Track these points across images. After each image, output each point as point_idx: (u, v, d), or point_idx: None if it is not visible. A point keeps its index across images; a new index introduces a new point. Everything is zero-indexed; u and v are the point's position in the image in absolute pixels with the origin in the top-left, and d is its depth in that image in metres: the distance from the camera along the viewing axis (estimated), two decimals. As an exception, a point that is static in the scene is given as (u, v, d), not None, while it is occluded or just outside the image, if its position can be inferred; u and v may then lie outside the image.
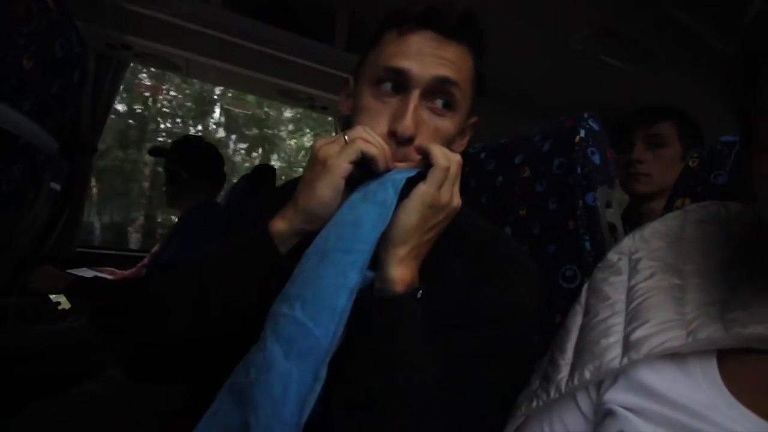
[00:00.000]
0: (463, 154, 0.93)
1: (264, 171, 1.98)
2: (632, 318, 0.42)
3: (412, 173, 0.50)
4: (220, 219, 1.52)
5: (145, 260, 1.68)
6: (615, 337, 0.42)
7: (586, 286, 0.52)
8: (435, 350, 0.48)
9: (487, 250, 0.56)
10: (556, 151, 0.74)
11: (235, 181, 2.14)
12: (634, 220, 1.16)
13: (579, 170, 0.69)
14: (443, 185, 0.49)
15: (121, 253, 2.15)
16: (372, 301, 0.47)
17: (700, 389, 0.35)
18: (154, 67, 1.82)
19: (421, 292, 0.48)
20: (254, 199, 0.77)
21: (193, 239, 1.42)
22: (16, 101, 0.53)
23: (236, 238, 0.54)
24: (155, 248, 1.68)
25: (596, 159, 0.70)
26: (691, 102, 1.25)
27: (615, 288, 0.47)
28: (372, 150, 0.49)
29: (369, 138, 0.49)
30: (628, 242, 0.51)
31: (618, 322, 0.43)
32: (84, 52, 0.64)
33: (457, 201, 0.51)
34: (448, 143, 0.56)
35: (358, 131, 0.50)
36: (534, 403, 0.45)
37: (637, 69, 1.51)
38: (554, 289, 0.69)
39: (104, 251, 2.11)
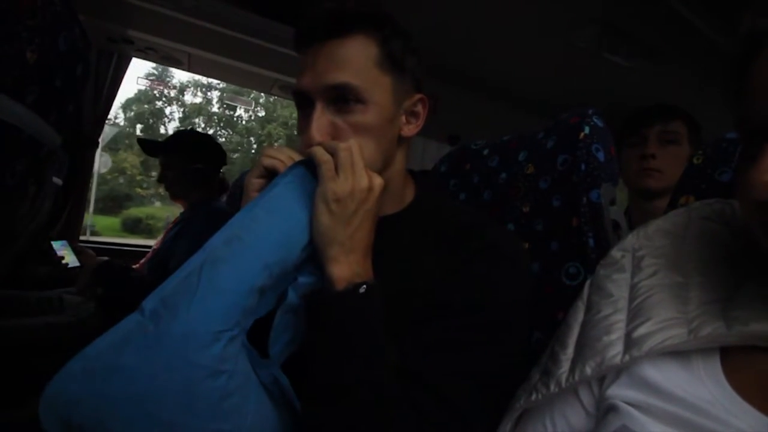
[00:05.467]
0: (466, 150, 0.94)
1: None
2: (634, 315, 0.42)
3: (297, 167, 0.53)
4: (222, 217, 1.52)
5: (148, 255, 1.68)
6: (617, 334, 0.42)
7: (588, 282, 0.52)
8: (403, 342, 0.49)
9: (464, 240, 0.55)
10: (560, 147, 0.74)
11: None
12: (635, 217, 1.16)
13: (583, 167, 0.69)
14: (339, 176, 0.50)
15: (122, 247, 2.15)
16: (316, 303, 0.49)
17: (702, 385, 0.35)
18: (155, 62, 1.82)
19: (365, 286, 0.48)
20: None
21: (198, 240, 1.42)
22: (20, 94, 0.52)
23: None
24: (156, 244, 1.69)
25: (600, 156, 0.70)
26: (694, 99, 1.25)
27: (618, 285, 0.47)
28: (273, 162, 0.55)
29: (272, 153, 0.56)
30: (631, 239, 0.51)
31: (620, 319, 0.43)
32: (87, 46, 0.63)
33: (364, 182, 0.51)
34: (380, 132, 0.56)
35: (265, 150, 0.57)
36: (533, 397, 0.45)
37: (640, 66, 1.51)
38: (557, 286, 0.69)
39: (105, 246, 2.12)
